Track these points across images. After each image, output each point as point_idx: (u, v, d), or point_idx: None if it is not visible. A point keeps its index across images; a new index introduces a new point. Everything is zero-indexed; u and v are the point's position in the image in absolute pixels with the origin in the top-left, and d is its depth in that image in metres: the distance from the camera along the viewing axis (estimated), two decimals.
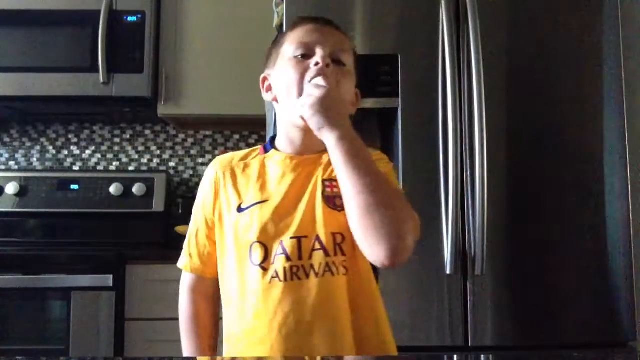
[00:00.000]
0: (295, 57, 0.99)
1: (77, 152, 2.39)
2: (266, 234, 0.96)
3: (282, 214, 0.97)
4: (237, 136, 2.41)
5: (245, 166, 1.06)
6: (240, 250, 0.98)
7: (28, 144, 2.39)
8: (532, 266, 1.50)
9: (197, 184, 2.37)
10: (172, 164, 2.40)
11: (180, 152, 2.41)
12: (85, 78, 1.99)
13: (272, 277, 0.93)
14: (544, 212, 1.52)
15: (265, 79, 1.09)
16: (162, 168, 2.38)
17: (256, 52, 2.03)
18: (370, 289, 0.98)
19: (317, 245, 0.94)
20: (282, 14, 1.59)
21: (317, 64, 0.96)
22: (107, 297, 1.71)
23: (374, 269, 0.98)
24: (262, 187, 1.01)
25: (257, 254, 0.96)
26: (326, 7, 1.54)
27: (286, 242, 0.95)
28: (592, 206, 1.52)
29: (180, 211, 2.28)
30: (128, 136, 2.41)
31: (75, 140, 2.40)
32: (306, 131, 0.96)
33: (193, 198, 2.49)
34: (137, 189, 2.17)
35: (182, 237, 2.20)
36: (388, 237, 0.83)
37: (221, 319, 1.06)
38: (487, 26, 1.52)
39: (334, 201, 0.96)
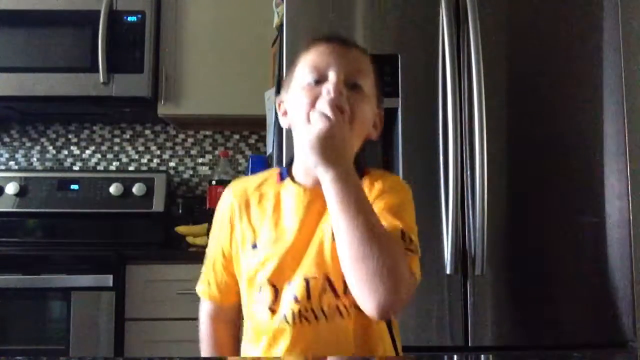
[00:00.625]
0: (308, 83, 0.92)
1: (77, 152, 2.39)
2: (276, 275, 0.92)
3: (293, 253, 0.93)
4: (237, 136, 2.41)
5: (261, 197, 1.00)
6: (252, 288, 0.95)
7: (28, 144, 2.39)
8: (532, 266, 1.50)
9: (197, 184, 2.38)
10: (172, 164, 2.40)
11: (180, 152, 2.41)
12: (85, 78, 1.99)
13: (281, 320, 0.90)
14: (544, 212, 1.52)
15: (281, 102, 1.02)
16: (162, 168, 2.38)
17: (256, 52, 2.04)
18: (378, 328, 0.94)
19: (327, 286, 0.90)
20: (282, 14, 1.59)
21: (328, 92, 0.88)
22: (107, 297, 1.71)
23: None
24: (276, 223, 0.96)
25: (267, 295, 0.92)
26: (326, 7, 1.54)
27: (295, 283, 0.91)
28: (592, 206, 1.52)
29: (180, 211, 2.28)
30: (128, 136, 2.41)
31: (75, 140, 2.40)
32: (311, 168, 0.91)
33: (193, 198, 2.51)
34: (137, 189, 2.17)
35: (182, 237, 2.22)
36: (378, 291, 0.78)
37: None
38: (487, 26, 1.52)
39: None
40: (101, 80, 1.97)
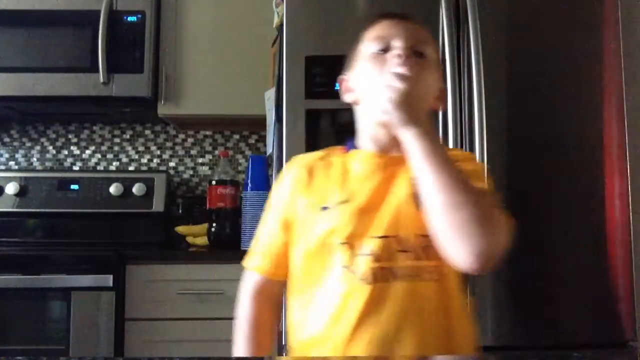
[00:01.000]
0: (373, 52, 0.95)
1: (77, 152, 2.39)
2: (351, 234, 0.91)
3: (367, 213, 0.92)
4: (237, 136, 2.42)
5: (327, 164, 1.01)
6: (323, 251, 0.93)
7: (28, 144, 2.39)
8: (532, 266, 1.50)
9: (197, 184, 2.38)
10: (172, 164, 2.40)
11: (180, 152, 2.41)
12: (85, 78, 1.99)
13: (359, 280, 0.89)
14: (544, 212, 1.52)
15: (343, 80, 1.04)
16: (162, 168, 2.38)
17: (256, 52, 2.04)
18: (459, 300, 0.94)
19: (405, 247, 0.90)
20: (282, 14, 1.59)
21: (396, 55, 0.92)
22: (107, 297, 1.71)
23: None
24: (346, 186, 0.96)
25: (342, 255, 0.91)
26: (326, 7, 1.54)
27: (372, 242, 0.90)
28: (592, 206, 1.52)
29: (180, 211, 2.28)
30: (128, 136, 2.41)
31: (75, 140, 2.40)
32: (391, 128, 0.91)
33: (193, 198, 2.51)
34: (137, 189, 2.17)
35: (182, 237, 2.22)
36: (473, 236, 0.79)
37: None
38: (487, 26, 1.52)
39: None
40: (101, 80, 1.97)
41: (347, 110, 1.56)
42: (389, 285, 0.88)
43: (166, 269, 1.78)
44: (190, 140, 2.41)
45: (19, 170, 2.35)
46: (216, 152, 2.39)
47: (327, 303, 0.92)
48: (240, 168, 2.37)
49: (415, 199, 0.89)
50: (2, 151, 2.39)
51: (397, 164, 0.94)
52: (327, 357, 0.90)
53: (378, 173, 0.95)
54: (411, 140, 0.85)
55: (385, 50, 0.94)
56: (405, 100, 0.85)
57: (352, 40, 1.02)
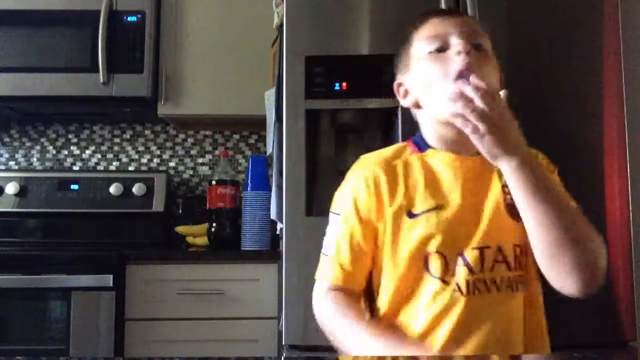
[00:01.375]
0: (431, 52, 0.91)
1: (77, 152, 2.39)
2: (446, 244, 0.88)
3: (462, 222, 0.89)
4: (237, 136, 2.42)
5: (406, 165, 0.95)
6: (414, 260, 0.89)
7: (28, 144, 2.39)
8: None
9: (197, 184, 2.38)
10: (172, 164, 2.40)
11: (180, 152, 2.41)
12: (85, 78, 1.99)
13: (454, 291, 0.86)
14: None
15: (400, 85, 1.00)
16: (162, 168, 2.38)
17: (256, 52, 2.04)
18: (541, 312, 0.94)
19: (500, 257, 0.88)
20: (282, 14, 1.59)
21: (459, 52, 0.88)
22: (107, 297, 1.71)
23: None
24: (435, 191, 0.91)
25: (436, 265, 0.88)
26: (326, 7, 1.54)
27: (468, 252, 0.87)
28: (592, 206, 1.52)
29: (180, 211, 2.28)
30: (128, 136, 2.41)
31: (75, 140, 2.40)
32: (460, 129, 0.87)
33: (193, 198, 2.51)
34: (137, 189, 2.17)
35: (182, 237, 2.22)
36: (581, 271, 0.81)
37: None
38: (487, 26, 1.52)
39: (515, 210, 0.87)
40: (101, 80, 1.97)
41: (347, 111, 1.56)
42: (482, 296, 0.87)
43: (166, 269, 1.78)
44: (190, 140, 2.41)
45: (19, 170, 2.35)
46: (216, 152, 2.39)
47: (420, 314, 0.88)
48: (240, 168, 2.37)
49: (509, 209, 0.88)
50: (2, 151, 2.39)
51: (481, 167, 0.91)
52: (337, 357, 0.90)
53: (466, 178, 0.92)
54: (511, 171, 0.83)
55: (443, 49, 0.91)
56: (494, 121, 0.81)
57: (400, 41, 0.99)
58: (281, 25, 1.62)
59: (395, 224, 0.91)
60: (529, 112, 1.54)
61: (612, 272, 1.51)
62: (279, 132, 1.60)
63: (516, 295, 0.88)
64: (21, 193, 2.16)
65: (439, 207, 0.90)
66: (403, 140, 1.51)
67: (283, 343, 1.42)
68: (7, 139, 2.40)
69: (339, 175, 1.58)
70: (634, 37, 1.66)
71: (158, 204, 2.17)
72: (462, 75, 0.86)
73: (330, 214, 1.00)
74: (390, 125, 1.57)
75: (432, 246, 0.88)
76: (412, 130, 1.54)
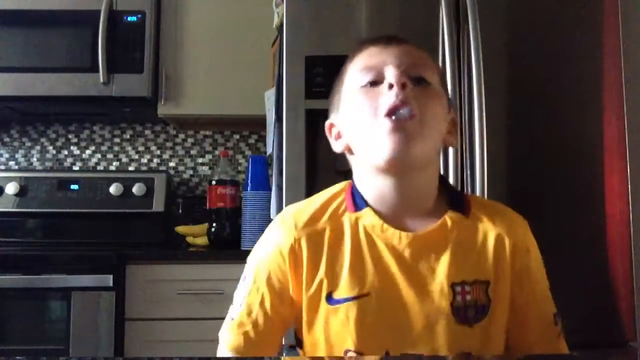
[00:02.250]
0: (362, 86, 0.77)
1: (77, 152, 2.39)
2: (367, 344, 0.74)
3: (392, 319, 0.74)
4: (237, 136, 2.41)
5: (333, 232, 0.79)
6: (331, 348, 0.77)
7: (28, 144, 2.39)
8: None
9: (197, 184, 2.38)
10: (172, 164, 2.40)
11: (180, 152, 2.41)
12: (85, 78, 1.99)
13: None
14: (544, 211, 1.52)
15: (331, 126, 0.85)
16: (162, 168, 2.38)
17: (256, 52, 2.04)
18: None
19: None
20: (282, 14, 1.59)
21: (390, 85, 0.74)
22: (107, 297, 1.71)
23: None
24: (361, 273, 0.76)
25: None
26: (326, 7, 1.54)
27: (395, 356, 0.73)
28: (592, 206, 1.52)
29: (180, 211, 2.28)
30: (128, 136, 2.41)
31: (75, 140, 2.40)
32: (398, 175, 0.76)
33: (193, 198, 2.51)
34: (137, 189, 2.17)
35: (182, 237, 2.22)
36: None
37: None
38: (487, 26, 1.52)
39: (465, 313, 0.75)
40: (101, 80, 1.97)
41: None
42: None
43: (166, 269, 1.78)
44: (190, 140, 2.41)
45: (19, 170, 2.35)
46: (216, 152, 2.39)
47: None
48: (240, 168, 2.37)
49: (455, 312, 0.74)
50: (2, 151, 2.39)
51: (432, 245, 0.76)
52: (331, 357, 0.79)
53: (406, 261, 0.76)
54: None
55: (376, 82, 0.76)
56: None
57: (337, 75, 0.86)
58: (281, 25, 1.62)
59: (311, 309, 0.78)
60: (529, 112, 1.55)
61: (612, 272, 1.51)
62: (279, 132, 1.60)
63: None
64: (21, 193, 2.16)
65: (362, 295, 0.74)
66: None
67: (283, 343, 1.42)
68: (7, 139, 2.40)
69: (339, 176, 1.59)
70: (634, 37, 1.66)
71: (158, 204, 2.17)
72: (394, 112, 0.73)
73: (244, 273, 0.85)
74: None
75: (350, 343, 0.74)
76: None
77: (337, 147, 0.85)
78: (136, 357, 1.80)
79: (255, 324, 0.80)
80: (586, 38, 1.56)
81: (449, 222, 0.78)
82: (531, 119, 1.55)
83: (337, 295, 0.76)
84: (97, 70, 1.97)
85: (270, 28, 1.86)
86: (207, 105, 2.10)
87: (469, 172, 1.50)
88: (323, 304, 0.77)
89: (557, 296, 1.47)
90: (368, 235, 0.78)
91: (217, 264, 1.79)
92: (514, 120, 1.54)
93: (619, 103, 1.54)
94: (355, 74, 0.80)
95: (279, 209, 1.53)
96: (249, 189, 1.95)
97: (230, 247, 1.97)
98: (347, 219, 0.80)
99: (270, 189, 1.73)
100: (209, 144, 2.41)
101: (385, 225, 0.77)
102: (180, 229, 2.14)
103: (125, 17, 2.02)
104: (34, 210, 2.16)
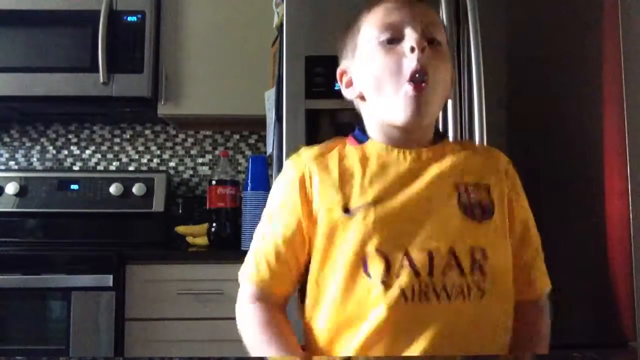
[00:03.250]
0: (381, 42, 0.82)
1: (77, 152, 2.39)
2: (388, 243, 0.78)
3: (407, 218, 0.80)
4: (237, 136, 2.41)
5: (342, 157, 0.85)
6: (349, 260, 0.80)
7: (28, 144, 2.39)
8: None
9: (197, 184, 2.38)
10: (172, 164, 2.40)
11: (180, 152, 2.41)
12: (85, 78, 1.99)
13: (397, 296, 0.76)
14: (544, 211, 1.52)
15: (343, 72, 0.91)
16: (162, 168, 2.38)
17: (256, 52, 2.04)
18: (505, 324, 0.84)
19: (452, 262, 0.78)
20: (282, 14, 1.59)
21: (412, 49, 0.80)
22: (107, 297, 1.71)
23: None
24: (373, 183, 0.82)
25: (377, 266, 0.78)
26: (326, 7, 1.54)
27: (414, 254, 0.78)
28: (592, 206, 1.52)
29: (180, 211, 2.28)
30: (128, 136, 2.41)
31: (75, 140, 2.40)
32: (409, 130, 0.84)
33: (193, 198, 2.51)
34: (137, 189, 2.17)
35: (182, 237, 2.22)
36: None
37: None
38: (487, 26, 1.52)
39: (472, 210, 0.82)
40: (101, 80, 1.97)
41: (348, 111, 1.55)
42: (430, 304, 0.77)
43: (166, 269, 1.78)
44: (190, 140, 2.41)
45: (19, 170, 2.35)
46: (216, 152, 2.39)
47: (361, 322, 0.78)
48: (240, 168, 2.37)
49: (469, 209, 0.81)
50: (2, 151, 2.39)
51: (435, 159, 0.84)
52: (331, 358, 0.83)
53: (414, 171, 0.83)
54: None
55: (395, 39, 0.82)
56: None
57: (347, 24, 0.91)
58: (281, 25, 1.62)
59: (327, 222, 0.82)
60: (529, 112, 1.55)
61: (612, 272, 1.51)
62: (279, 132, 1.60)
63: (467, 303, 0.78)
64: (21, 193, 2.16)
65: (377, 201, 0.80)
66: None
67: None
68: (7, 139, 2.40)
69: None
70: (634, 37, 1.66)
71: (158, 204, 2.17)
72: (414, 77, 0.80)
73: (265, 211, 0.92)
74: None
75: (372, 245, 0.78)
76: None
77: (348, 94, 0.91)
78: (136, 357, 1.80)
79: (277, 254, 0.86)
80: (586, 38, 1.56)
81: (446, 145, 0.89)
82: (531, 118, 1.55)
83: (352, 205, 0.81)
84: (97, 70, 1.96)
85: (270, 28, 1.86)
86: (207, 105, 2.09)
87: None
88: (337, 217, 0.81)
89: (557, 296, 1.47)
90: (374, 156, 0.85)
91: (217, 264, 1.79)
92: (514, 119, 1.54)
93: (619, 103, 1.55)
94: (373, 28, 0.84)
95: None
96: (249, 189, 1.95)
97: (230, 247, 1.97)
98: (351, 149, 0.87)
99: (270, 189, 1.73)
100: (209, 144, 2.41)
101: (390, 147, 0.85)
102: (180, 229, 2.14)
103: (125, 17, 2.02)
104: (34, 210, 2.16)
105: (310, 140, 1.49)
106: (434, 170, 0.83)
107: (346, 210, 0.81)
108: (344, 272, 0.80)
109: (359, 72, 0.87)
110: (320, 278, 0.84)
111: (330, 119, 1.57)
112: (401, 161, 0.84)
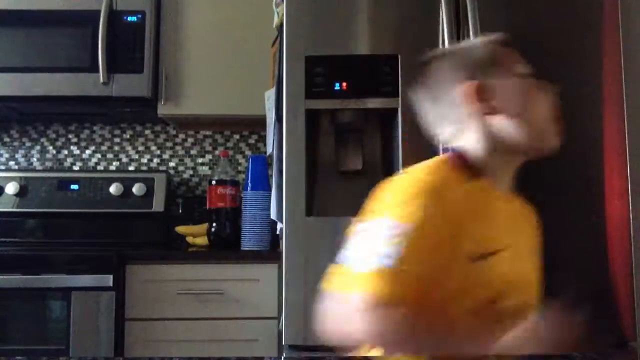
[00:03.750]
0: (523, 74, 0.95)
1: (77, 152, 2.39)
2: (504, 293, 0.84)
3: (519, 269, 0.86)
4: (237, 136, 2.41)
5: (468, 196, 0.86)
6: (465, 302, 0.82)
7: (28, 144, 2.39)
8: None
9: (197, 184, 2.38)
10: (172, 164, 2.40)
11: (180, 152, 2.41)
12: (85, 78, 1.99)
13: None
14: (544, 211, 1.52)
15: (481, 87, 0.93)
16: (162, 168, 2.38)
17: (256, 52, 2.04)
18: None
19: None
20: (282, 14, 1.59)
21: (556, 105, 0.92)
22: (107, 297, 1.71)
23: None
24: (493, 230, 0.85)
25: (515, 321, 0.82)
26: (326, 6, 1.54)
27: (518, 302, 0.84)
28: (592, 206, 1.52)
29: (180, 211, 2.28)
30: (128, 136, 2.41)
31: (75, 140, 2.40)
32: (519, 157, 0.94)
33: (193, 198, 2.51)
34: (137, 189, 2.17)
35: (182, 237, 2.22)
36: None
37: None
38: (487, 26, 1.52)
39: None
40: (101, 80, 1.97)
41: (347, 111, 1.55)
42: None
43: (166, 269, 1.78)
44: (190, 140, 2.41)
45: (19, 170, 2.35)
46: (216, 152, 2.39)
47: None
48: (240, 168, 2.37)
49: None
50: (2, 151, 2.39)
51: (525, 208, 0.95)
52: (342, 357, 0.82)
53: (519, 220, 0.93)
54: None
55: (530, 75, 0.93)
56: None
57: (475, 44, 1.01)
58: (281, 25, 1.62)
59: (463, 268, 0.81)
60: None
61: (612, 272, 1.51)
62: (279, 132, 1.60)
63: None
64: (21, 193, 2.16)
65: (499, 250, 0.83)
66: (403, 140, 1.51)
67: (283, 343, 1.42)
68: (7, 139, 2.40)
69: (339, 175, 1.59)
70: (634, 37, 1.66)
71: (158, 204, 2.17)
72: None
73: (384, 221, 0.83)
74: (390, 125, 1.57)
75: (491, 294, 0.82)
76: (412, 130, 1.54)
77: (477, 107, 0.92)
78: (136, 357, 1.80)
79: (413, 270, 0.79)
80: (586, 38, 1.56)
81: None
82: None
83: (475, 253, 0.81)
84: (97, 70, 1.97)
85: (270, 28, 1.86)
86: (207, 105, 2.10)
87: None
88: (461, 261, 0.81)
89: (557, 296, 1.47)
90: (492, 199, 0.89)
91: (217, 264, 1.79)
92: None
93: (619, 103, 1.54)
94: (514, 58, 0.95)
95: (279, 209, 1.53)
96: (249, 189, 1.95)
97: (230, 247, 1.97)
98: (475, 188, 0.88)
99: (270, 189, 1.73)
100: (209, 144, 2.41)
101: (496, 188, 0.91)
102: (180, 229, 2.14)
103: (125, 17, 2.02)
104: (34, 210, 2.16)
105: (310, 141, 1.50)
106: (527, 218, 1.00)
107: (469, 256, 0.85)
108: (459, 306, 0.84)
109: (502, 93, 0.98)
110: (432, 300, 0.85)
111: (330, 119, 1.57)
112: (512, 208, 0.97)
